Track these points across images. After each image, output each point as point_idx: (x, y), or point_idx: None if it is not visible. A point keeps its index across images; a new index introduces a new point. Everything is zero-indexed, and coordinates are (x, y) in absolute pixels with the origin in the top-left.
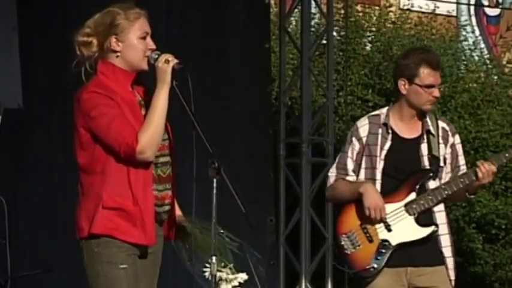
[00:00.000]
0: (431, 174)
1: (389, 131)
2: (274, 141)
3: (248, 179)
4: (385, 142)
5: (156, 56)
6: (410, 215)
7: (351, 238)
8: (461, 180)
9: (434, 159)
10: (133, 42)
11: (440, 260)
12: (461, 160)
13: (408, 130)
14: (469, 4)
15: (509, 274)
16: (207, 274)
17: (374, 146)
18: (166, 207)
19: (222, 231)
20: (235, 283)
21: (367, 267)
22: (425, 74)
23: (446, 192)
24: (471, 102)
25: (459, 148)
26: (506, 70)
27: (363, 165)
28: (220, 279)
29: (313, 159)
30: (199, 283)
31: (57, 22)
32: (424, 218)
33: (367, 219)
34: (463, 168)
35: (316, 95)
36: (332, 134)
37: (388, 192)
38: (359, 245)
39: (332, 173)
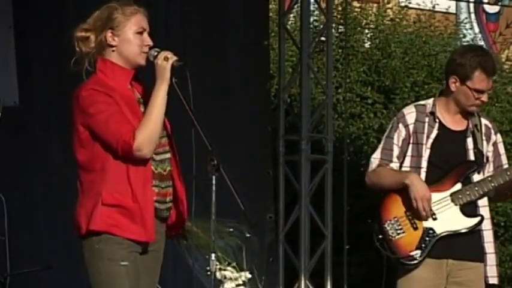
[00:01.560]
0: (476, 167)
1: (436, 120)
2: (273, 138)
3: (247, 177)
4: (431, 131)
5: (156, 53)
6: (455, 204)
7: (396, 225)
8: (508, 173)
9: (479, 153)
10: (129, 36)
11: (481, 257)
12: (504, 159)
13: (454, 122)
14: (468, 1)
15: (508, 271)
16: (209, 272)
17: (421, 134)
18: (168, 204)
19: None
20: (239, 281)
21: (411, 254)
22: (479, 79)
23: (492, 184)
24: None
25: (501, 147)
26: (506, 67)
27: (409, 152)
28: (225, 277)
29: (312, 156)
30: (200, 280)
31: (54, 21)
32: (469, 209)
33: (412, 207)
34: (506, 168)
35: (316, 92)
36: (331, 131)
37: (434, 182)
38: (403, 232)
39: (375, 158)
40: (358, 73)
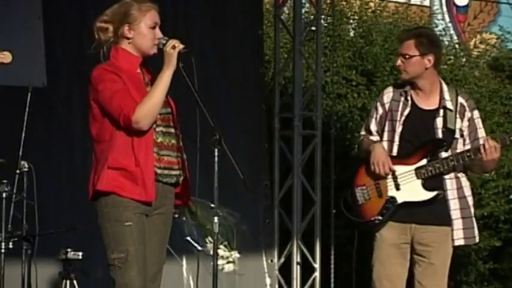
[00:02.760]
0: (445, 146)
1: (408, 99)
2: (268, 116)
3: (246, 149)
4: (405, 108)
5: (164, 42)
6: (418, 178)
7: (364, 191)
8: (468, 154)
9: (448, 132)
10: (144, 31)
11: (447, 221)
12: (481, 133)
13: (426, 101)
14: None
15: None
16: (206, 249)
17: (395, 112)
18: (175, 172)
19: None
20: (230, 259)
21: (373, 218)
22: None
23: (452, 163)
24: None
25: (478, 122)
26: (473, 53)
27: (386, 128)
28: (217, 254)
29: (304, 132)
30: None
31: (76, 12)
32: (432, 183)
33: (380, 177)
34: (468, 149)
35: (307, 75)
36: (320, 109)
37: (404, 156)
38: (369, 198)
39: (360, 134)
40: (344, 58)
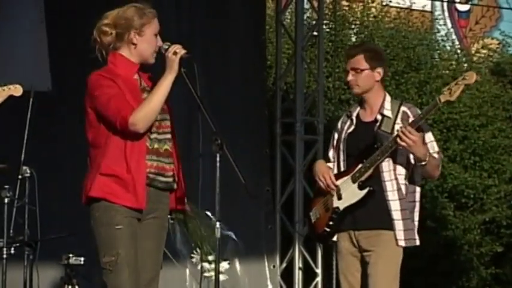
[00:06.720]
0: (375, 147)
1: (353, 118)
2: (270, 121)
3: (247, 155)
4: (350, 127)
5: (167, 47)
6: (354, 182)
7: (315, 211)
8: (390, 145)
9: (381, 134)
10: (149, 37)
11: (387, 224)
12: (428, 138)
13: (369, 115)
14: (442, 0)
15: (476, 238)
16: (194, 260)
17: (342, 132)
18: (170, 178)
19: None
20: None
21: (321, 231)
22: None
23: (379, 157)
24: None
25: (424, 128)
26: (475, 59)
27: (337, 149)
28: (203, 268)
29: (305, 137)
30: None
31: (77, 14)
32: (367, 185)
33: (327, 193)
34: (432, 145)
35: (309, 81)
36: (322, 114)
37: (347, 169)
38: (320, 215)
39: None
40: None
